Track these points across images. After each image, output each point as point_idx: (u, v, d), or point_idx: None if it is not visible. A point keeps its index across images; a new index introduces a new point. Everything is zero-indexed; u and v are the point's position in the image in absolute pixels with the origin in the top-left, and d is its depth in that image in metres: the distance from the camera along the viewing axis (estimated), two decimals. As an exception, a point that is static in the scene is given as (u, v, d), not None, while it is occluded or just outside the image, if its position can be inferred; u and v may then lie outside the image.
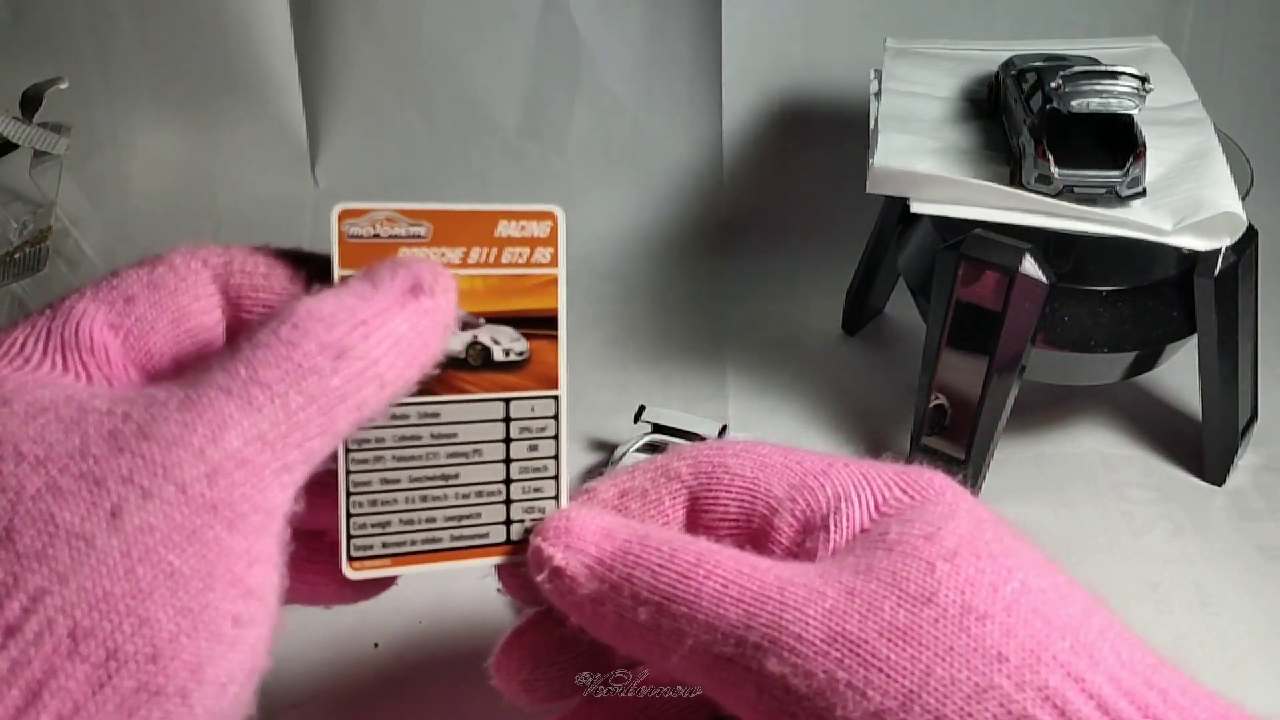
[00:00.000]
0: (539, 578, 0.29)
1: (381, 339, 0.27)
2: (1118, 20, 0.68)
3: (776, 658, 0.24)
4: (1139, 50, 0.56)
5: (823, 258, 0.68)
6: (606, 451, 0.53)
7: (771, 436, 0.55)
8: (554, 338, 0.33)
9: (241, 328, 0.29)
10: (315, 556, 0.32)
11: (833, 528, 0.28)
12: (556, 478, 0.34)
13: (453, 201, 0.32)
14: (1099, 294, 0.48)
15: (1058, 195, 0.45)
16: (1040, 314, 0.46)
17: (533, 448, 0.34)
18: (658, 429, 0.51)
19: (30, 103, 0.57)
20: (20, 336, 0.27)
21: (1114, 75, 0.44)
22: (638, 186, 0.72)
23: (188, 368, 0.28)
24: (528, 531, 0.33)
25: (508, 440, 0.33)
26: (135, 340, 0.28)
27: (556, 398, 0.33)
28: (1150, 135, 0.47)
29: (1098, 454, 0.53)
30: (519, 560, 0.31)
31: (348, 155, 0.73)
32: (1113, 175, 0.45)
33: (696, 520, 0.31)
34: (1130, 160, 0.45)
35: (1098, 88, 0.44)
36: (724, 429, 0.51)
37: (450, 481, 0.33)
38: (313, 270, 0.30)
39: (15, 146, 0.57)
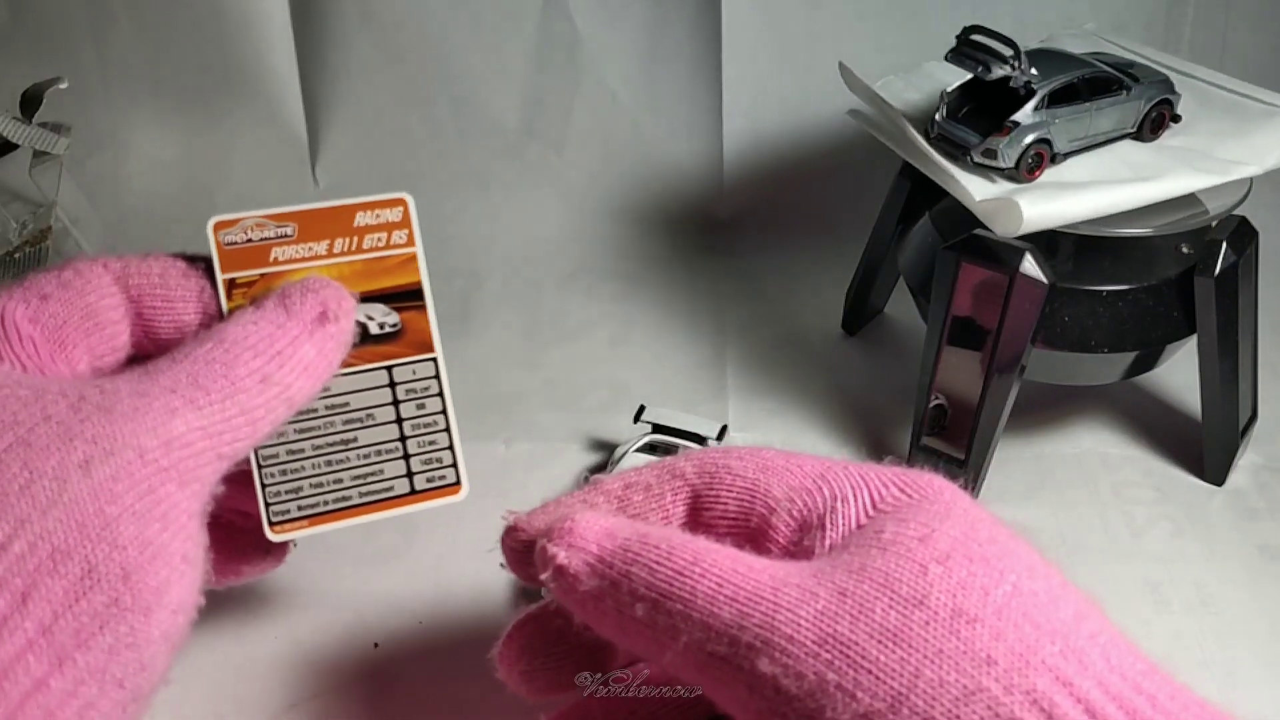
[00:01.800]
0: (543, 576, 0.29)
1: (294, 366, 0.33)
2: (1118, 20, 0.68)
3: (768, 658, 0.25)
4: (1268, 108, 0.53)
5: (823, 258, 0.68)
6: (606, 451, 0.53)
7: (771, 437, 0.55)
8: (422, 308, 0.37)
9: (144, 324, 0.34)
10: (240, 531, 0.38)
11: (829, 526, 0.28)
12: (448, 430, 0.38)
13: (312, 202, 0.36)
14: (1099, 294, 0.48)
15: (929, 141, 0.48)
16: (1040, 314, 0.46)
17: (420, 406, 0.38)
18: (658, 429, 0.51)
19: (30, 103, 0.57)
20: None
21: (997, 42, 0.47)
22: (638, 186, 0.72)
23: (107, 368, 0.34)
24: (429, 480, 0.38)
25: (396, 402, 0.37)
26: (51, 333, 0.32)
27: (434, 359, 0.38)
28: (1151, 160, 0.48)
29: (1098, 454, 0.53)
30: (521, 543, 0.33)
31: (348, 155, 0.73)
32: (971, 138, 0.47)
33: (697, 518, 0.31)
34: (993, 132, 0.47)
35: (970, 49, 0.47)
36: (724, 429, 0.51)
37: (350, 445, 0.37)
38: (206, 266, 0.36)
39: (15, 146, 0.57)
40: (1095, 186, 0.46)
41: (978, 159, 0.47)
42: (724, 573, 0.27)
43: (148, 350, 0.35)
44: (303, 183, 0.74)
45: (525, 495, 0.51)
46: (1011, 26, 0.54)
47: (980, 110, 0.48)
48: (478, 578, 0.46)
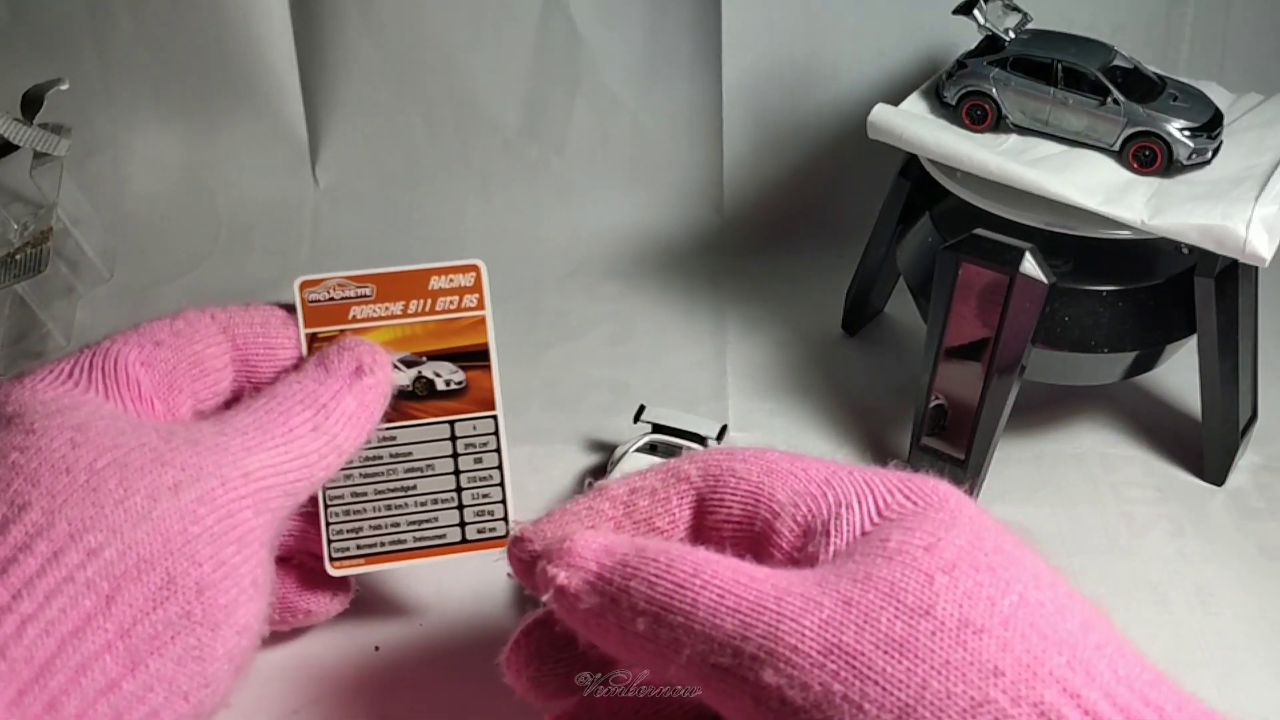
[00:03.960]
0: (544, 597, 0.29)
1: (339, 417, 0.36)
2: (1118, 20, 0.68)
3: (773, 669, 0.24)
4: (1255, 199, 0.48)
5: (823, 258, 0.68)
6: (606, 452, 0.53)
7: (772, 437, 0.55)
8: (487, 367, 0.40)
9: (248, 370, 0.38)
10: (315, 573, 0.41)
11: (833, 532, 0.28)
12: (501, 485, 0.40)
13: (392, 265, 0.39)
14: (1099, 294, 0.48)
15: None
16: (1040, 314, 0.46)
17: (478, 460, 0.40)
18: (658, 429, 0.51)
19: (31, 104, 0.57)
20: (66, 367, 0.34)
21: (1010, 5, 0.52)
22: (638, 186, 0.72)
23: (208, 411, 0.37)
24: (479, 531, 0.40)
25: (455, 455, 0.40)
26: (162, 376, 0.35)
27: (495, 417, 0.40)
28: (1073, 165, 0.48)
29: (1098, 454, 0.53)
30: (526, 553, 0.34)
31: (348, 155, 0.73)
32: (940, 73, 0.52)
33: (702, 522, 0.31)
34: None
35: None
36: (724, 429, 0.51)
37: (410, 492, 0.40)
38: (294, 312, 0.39)
39: (16, 148, 0.57)
40: (976, 144, 0.48)
41: (937, 87, 0.52)
42: (725, 583, 0.26)
43: (244, 391, 0.38)
44: (303, 183, 0.74)
45: (525, 496, 0.51)
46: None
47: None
48: (478, 580, 0.46)
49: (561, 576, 0.29)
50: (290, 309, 0.39)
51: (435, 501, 0.40)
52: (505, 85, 0.71)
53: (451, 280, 0.40)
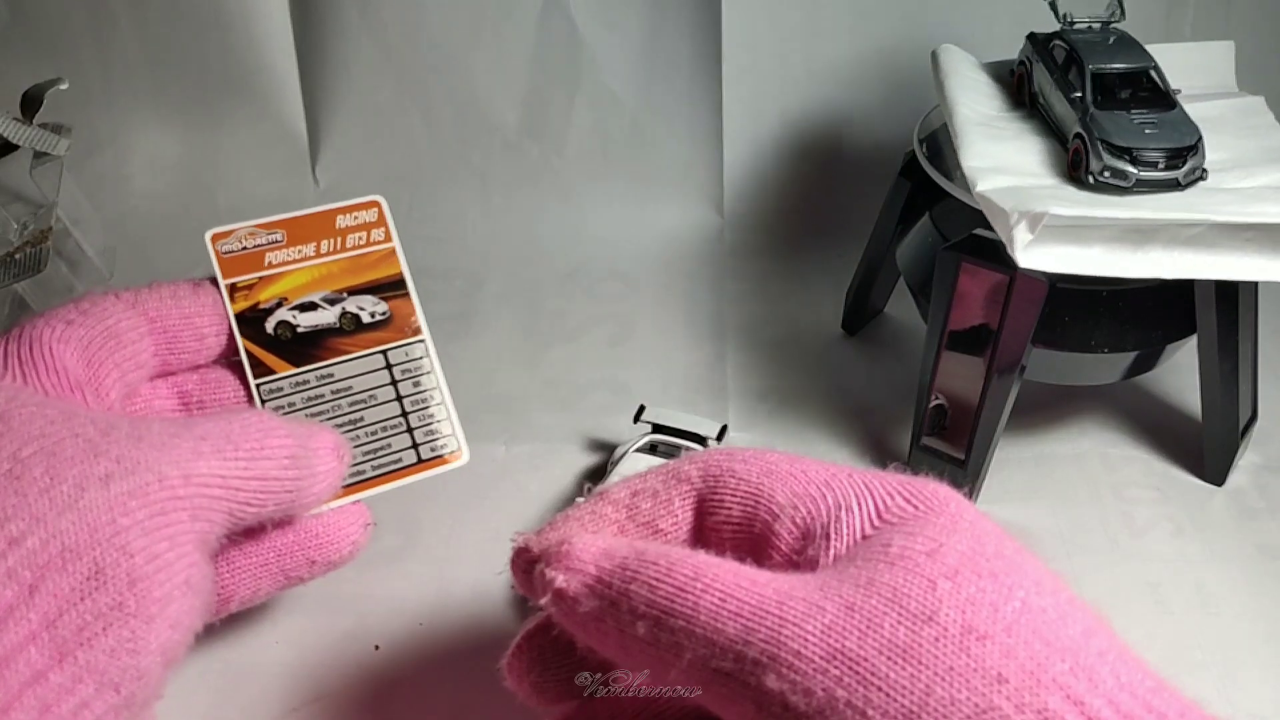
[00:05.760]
0: (543, 601, 0.29)
1: (315, 467, 0.35)
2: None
3: (775, 674, 0.24)
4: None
5: (823, 258, 0.68)
6: (606, 452, 0.53)
7: (771, 437, 0.55)
8: (407, 295, 0.42)
9: (168, 341, 0.37)
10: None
11: (833, 535, 0.28)
12: (444, 403, 0.42)
13: (297, 210, 0.41)
14: (1099, 294, 0.48)
15: None
16: (1040, 314, 0.46)
17: (416, 384, 0.41)
18: (658, 429, 0.51)
19: (30, 103, 0.57)
20: None
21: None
22: (638, 186, 0.72)
23: (135, 384, 0.36)
24: (433, 449, 0.41)
25: (394, 382, 0.41)
26: (80, 352, 0.34)
27: (423, 341, 0.42)
28: (1013, 138, 0.49)
29: (1098, 454, 0.53)
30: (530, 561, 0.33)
31: (348, 155, 0.73)
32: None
33: (703, 523, 0.31)
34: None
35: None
36: (724, 429, 0.51)
37: (358, 425, 0.41)
38: (211, 283, 0.39)
39: (16, 147, 0.57)
40: (968, 98, 0.52)
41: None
42: (726, 587, 0.26)
43: (173, 368, 0.38)
44: (303, 183, 0.74)
45: (525, 496, 0.51)
46: (1010, 25, 0.54)
47: None
48: (478, 580, 0.46)
49: (560, 580, 0.28)
50: (202, 283, 0.39)
51: (384, 429, 0.41)
52: (505, 85, 0.71)
53: (356, 218, 0.41)
